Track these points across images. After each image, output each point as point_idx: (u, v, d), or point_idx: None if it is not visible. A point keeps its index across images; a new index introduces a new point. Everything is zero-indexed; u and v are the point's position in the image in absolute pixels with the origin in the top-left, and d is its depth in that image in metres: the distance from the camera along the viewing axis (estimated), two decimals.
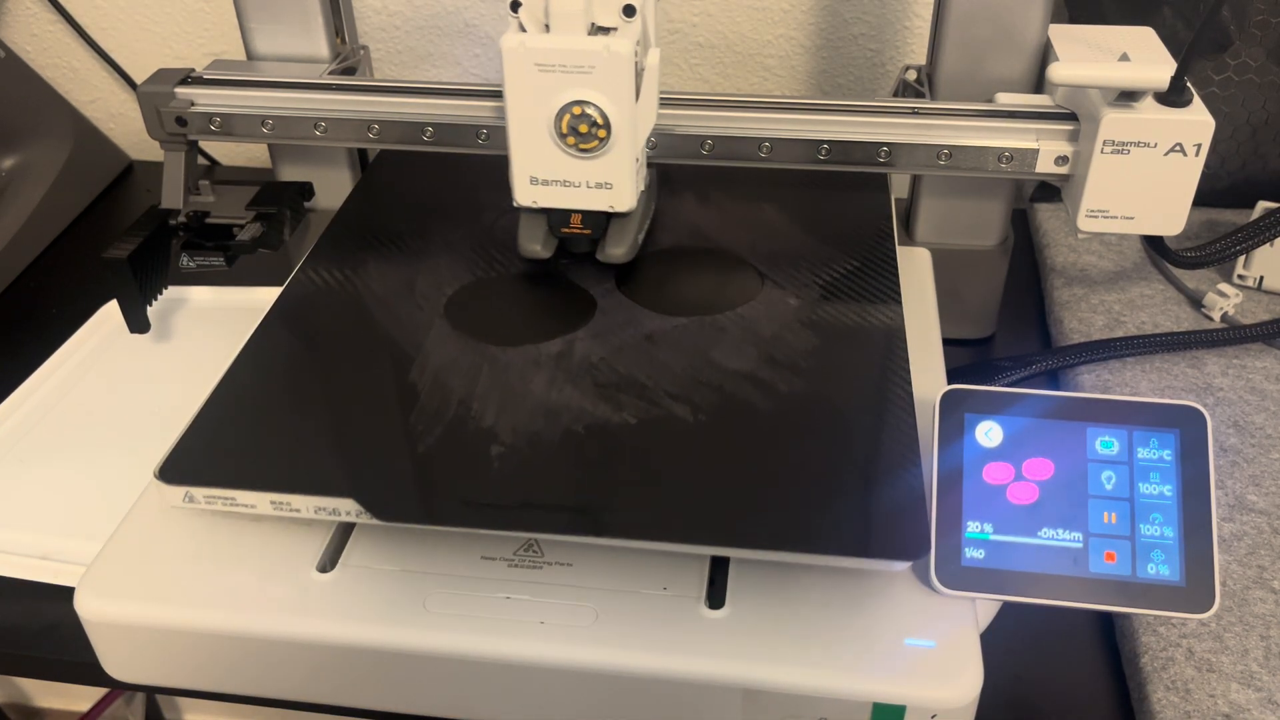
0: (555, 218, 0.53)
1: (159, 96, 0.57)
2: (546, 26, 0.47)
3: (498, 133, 0.56)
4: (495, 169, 0.64)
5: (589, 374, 0.48)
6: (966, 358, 0.66)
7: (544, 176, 0.51)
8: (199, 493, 0.43)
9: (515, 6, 0.47)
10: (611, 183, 0.50)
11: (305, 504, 0.42)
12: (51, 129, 0.80)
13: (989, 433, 0.43)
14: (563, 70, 0.47)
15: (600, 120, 0.48)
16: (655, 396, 0.47)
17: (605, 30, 0.48)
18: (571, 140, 0.49)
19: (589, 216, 0.52)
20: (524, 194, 0.51)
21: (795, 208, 0.60)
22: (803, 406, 0.46)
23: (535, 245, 0.53)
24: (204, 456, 0.44)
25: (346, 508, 0.42)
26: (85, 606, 0.43)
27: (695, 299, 0.53)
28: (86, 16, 0.87)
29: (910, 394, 0.47)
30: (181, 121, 0.57)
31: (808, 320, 0.52)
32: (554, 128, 0.49)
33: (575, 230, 0.53)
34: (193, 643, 0.43)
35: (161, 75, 0.58)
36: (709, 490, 0.42)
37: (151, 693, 0.46)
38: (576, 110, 0.48)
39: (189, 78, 0.58)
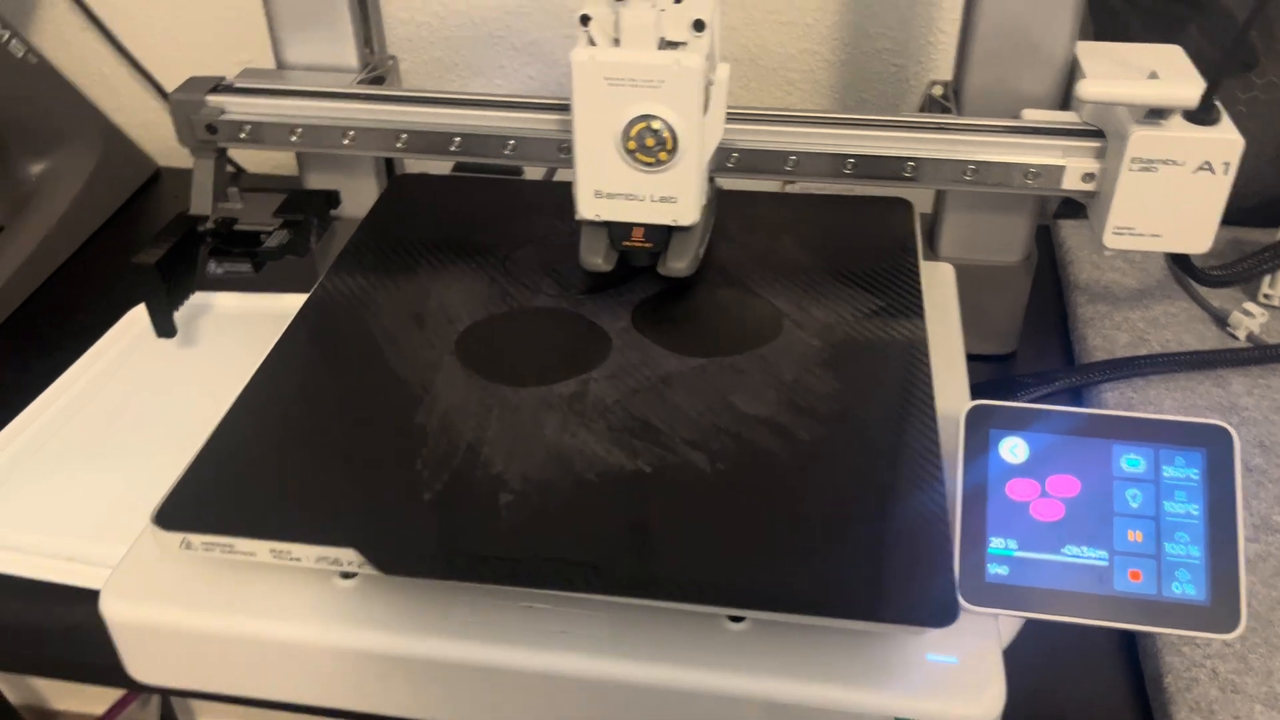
0: (616, 231, 0.52)
1: (190, 104, 0.57)
2: (616, 41, 0.47)
3: (524, 143, 0.56)
4: (514, 185, 0.63)
5: (603, 418, 0.46)
6: (989, 373, 0.65)
7: (609, 190, 0.50)
8: (196, 539, 0.42)
9: (585, 20, 0.47)
10: (676, 197, 0.50)
11: (306, 553, 0.41)
12: (81, 135, 0.81)
13: (1014, 449, 0.43)
14: (632, 84, 0.47)
15: (667, 134, 0.48)
16: (672, 443, 0.45)
17: (674, 45, 0.47)
18: (638, 154, 0.48)
19: (650, 230, 0.52)
20: (588, 207, 0.51)
21: (818, 223, 0.60)
22: (825, 452, 0.45)
23: (597, 258, 0.52)
24: (202, 501, 0.43)
25: (348, 558, 0.41)
26: (110, 608, 0.44)
27: (714, 338, 0.51)
28: (117, 24, 0.88)
29: (934, 414, 0.46)
30: (212, 129, 0.58)
31: (830, 341, 0.51)
32: (621, 141, 0.48)
33: (637, 244, 0.52)
34: (215, 646, 0.43)
35: (193, 83, 0.59)
36: (728, 547, 0.41)
37: (172, 695, 0.46)
38: (644, 124, 0.48)
39: (220, 86, 0.58)
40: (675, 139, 0.48)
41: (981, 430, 0.43)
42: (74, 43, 0.90)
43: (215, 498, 0.43)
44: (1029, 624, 0.43)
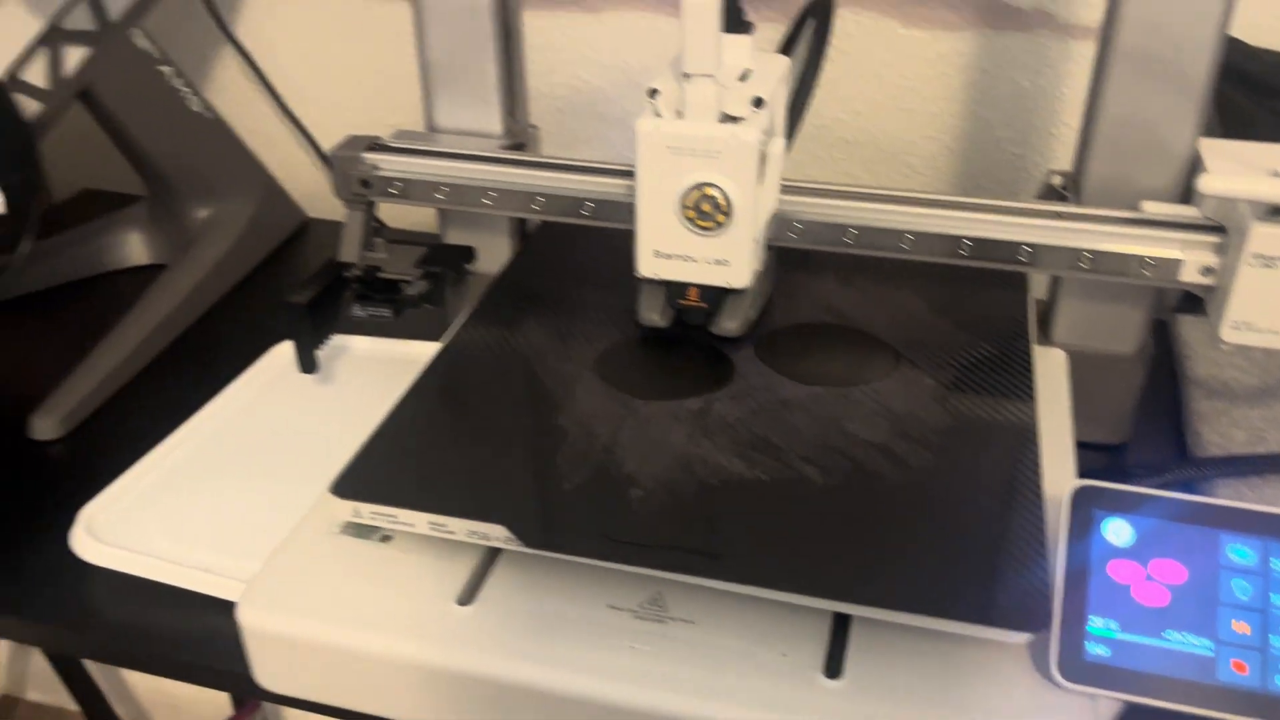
0: (673, 290, 0.57)
1: (349, 160, 0.62)
2: (680, 113, 0.51)
3: None
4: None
5: (725, 432, 0.51)
6: (1099, 462, 0.65)
7: (667, 251, 0.54)
8: (365, 509, 0.47)
9: (653, 93, 0.52)
10: (729, 260, 0.54)
11: (459, 526, 0.46)
12: (243, 185, 0.88)
13: (1118, 531, 0.43)
14: (692, 154, 0.51)
15: (723, 201, 0.52)
16: (787, 458, 0.49)
17: (734, 119, 0.51)
18: (696, 219, 0.52)
19: (705, 291, 0.56)
20: (647, 266, 0.55)
21: (935, 298, 0.62)
22: (931, 480, 0.48)
23: (654, 315, 0.57)
24: (372, 477, 0.49)
25: (496, 533, 0.46)
26: (246, 617, 0.47)
27: (831, 371, 0.55)
28: (280, 85, 0.96)
29: (1039, 484, 0.48)
30: (365, 184, 0.63)
31: (941, 402, 0.53)
32: (680, 206, 0.52)
33: (691, 303, 0.56)
34: (336, 659, 0.46)
35: (352, 141, 0.64)
36: (834, 548, 0.44)
37: (294, 706, 0.49)
38: (702, 191, 0.52)
39: (375, 144, 0.63)
40: (730, 206, 0.51)
41: (1085, 510, 0.44)
42: (241, 100, 0.98)
43: (383, 476, 0.49)
44: (1128, 710, 0.43)
